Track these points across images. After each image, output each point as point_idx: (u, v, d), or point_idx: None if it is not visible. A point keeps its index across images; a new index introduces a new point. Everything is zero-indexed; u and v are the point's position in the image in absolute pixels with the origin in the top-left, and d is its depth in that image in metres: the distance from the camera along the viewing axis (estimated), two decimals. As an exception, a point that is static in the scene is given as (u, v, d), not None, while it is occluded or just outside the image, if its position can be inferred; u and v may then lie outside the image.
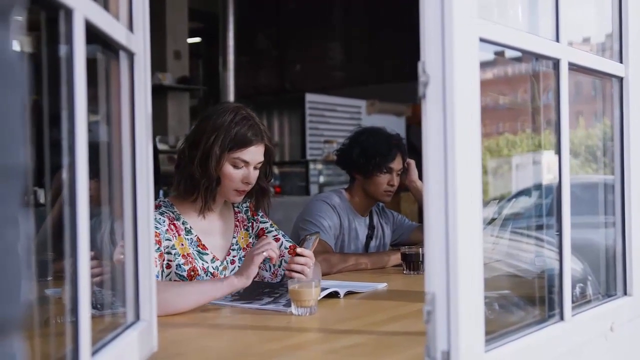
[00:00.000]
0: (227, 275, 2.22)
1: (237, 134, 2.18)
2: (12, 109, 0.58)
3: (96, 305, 1.34)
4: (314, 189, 7.33)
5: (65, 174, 1.00)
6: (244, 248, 2.37)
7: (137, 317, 1.37)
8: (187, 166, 2.21)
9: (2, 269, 0.57)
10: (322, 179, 7.52)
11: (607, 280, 1.87)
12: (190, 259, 2.20)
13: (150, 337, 1.41)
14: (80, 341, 1.00)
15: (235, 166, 2.21)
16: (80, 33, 1.01)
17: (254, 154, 2.23)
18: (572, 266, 1.56)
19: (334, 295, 2.15)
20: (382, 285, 2.39)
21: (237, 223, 2.40)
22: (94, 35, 1.10)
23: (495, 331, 1.33)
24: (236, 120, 2.19)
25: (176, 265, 2.18)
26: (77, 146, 1.00)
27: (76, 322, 1.00)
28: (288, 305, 1.93)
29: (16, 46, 0.63)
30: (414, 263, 2.68)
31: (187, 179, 2.22)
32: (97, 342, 1.14)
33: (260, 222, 2.44)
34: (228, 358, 1.57)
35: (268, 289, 2.17)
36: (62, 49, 1.01)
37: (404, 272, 2.70)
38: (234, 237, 2.37)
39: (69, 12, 0.99)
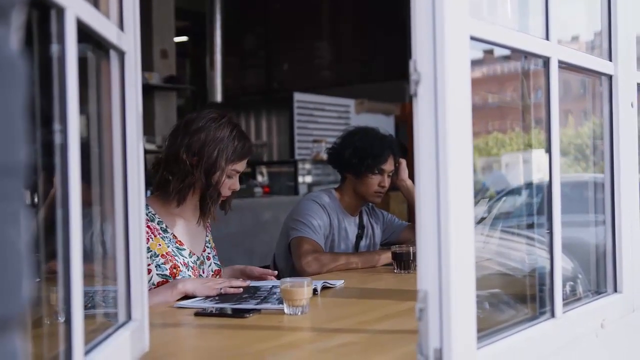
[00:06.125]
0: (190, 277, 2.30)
1: (237, 148, 2.30)
2: (13, 107, 0.59)
3: (86, 305, 1.33)
4: (302, 188, 7.31)
5: (56, 175, 1.00)
6: (213, 247, 2.50)
7: (129, 316, 1.37)
8: (188, 175, 2.26)
9: (5, 266, 0.57)
10: (310, 179, 7.50)
11: (597, 277, 1.88)
12: (170, 257, 2.26)
13: (142, 337, 1.40)
14: (73, 341, 0.99)
15: (230, 176, 2.32)
16: (72, 32, 1.00)
17: (245, 164, 2.38)
18: (562, 264, 1.57)
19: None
20: (339, 282, 2.39)
21: (207, 224, 2.50)
22: (83, 33, 1.09)
23: (487, 328, 1.34)
24: (235, 135, 2.31)
25: (156, 266, 2.22)
26: (69, 145, 0.99)
27: (69, 322, 0.99)
28: (281, 302, 1.92)
29: (17, 45, 0.62)
30: (404, 262, 2.68)
31: (187, 188, 2.28)
32: (88, 342, 1.14)
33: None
34: (220, 358, 1.56)
35: (246, 295, 2.14)
36: (54, 48, 1.00)
37: (395, 271, 2.70)
38: (207, 236, 2.48)
39: (60, 11, 0.98)
